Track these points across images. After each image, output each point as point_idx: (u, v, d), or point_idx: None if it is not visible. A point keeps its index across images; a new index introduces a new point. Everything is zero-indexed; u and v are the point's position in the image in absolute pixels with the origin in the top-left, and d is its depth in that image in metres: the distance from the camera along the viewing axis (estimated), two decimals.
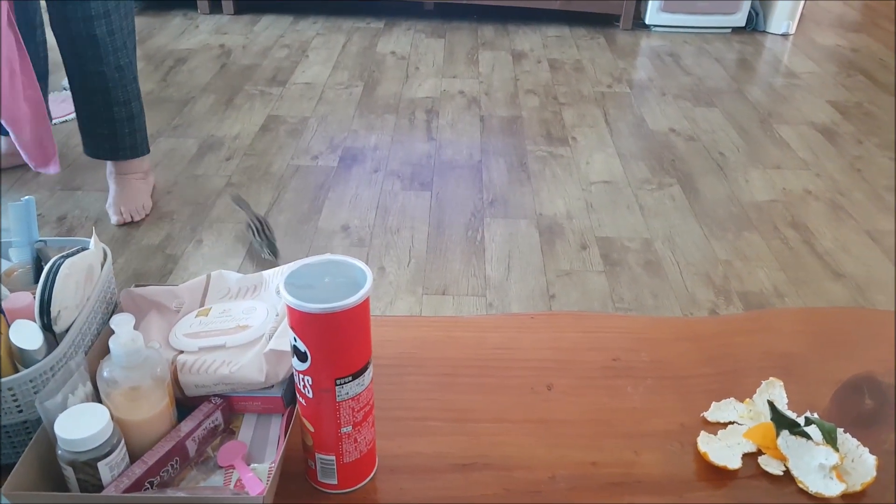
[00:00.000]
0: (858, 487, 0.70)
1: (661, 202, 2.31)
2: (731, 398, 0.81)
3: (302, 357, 0.60)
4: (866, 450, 0.73)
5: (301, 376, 0.62)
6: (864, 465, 0.72)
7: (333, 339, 0.59)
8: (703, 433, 0.76)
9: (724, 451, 0.74)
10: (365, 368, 0.63)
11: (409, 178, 2.35)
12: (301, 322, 0.58)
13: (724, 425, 0.78)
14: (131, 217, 2.08)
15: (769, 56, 3.69)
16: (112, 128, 1.99)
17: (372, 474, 0.71)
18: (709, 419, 0.79)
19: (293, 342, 0.60)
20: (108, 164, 2.11)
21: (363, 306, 0.59)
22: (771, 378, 0.81)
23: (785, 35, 3.91)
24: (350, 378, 0.61)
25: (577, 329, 0.96)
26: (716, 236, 2.14)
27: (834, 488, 0.70)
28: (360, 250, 1.97)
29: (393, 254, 1.97)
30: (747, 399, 0.80)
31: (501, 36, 3.72)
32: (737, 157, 2.63)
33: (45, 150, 1.75)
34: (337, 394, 0.62)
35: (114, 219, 2.08)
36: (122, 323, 0.65)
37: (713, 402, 0.80)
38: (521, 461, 0.74)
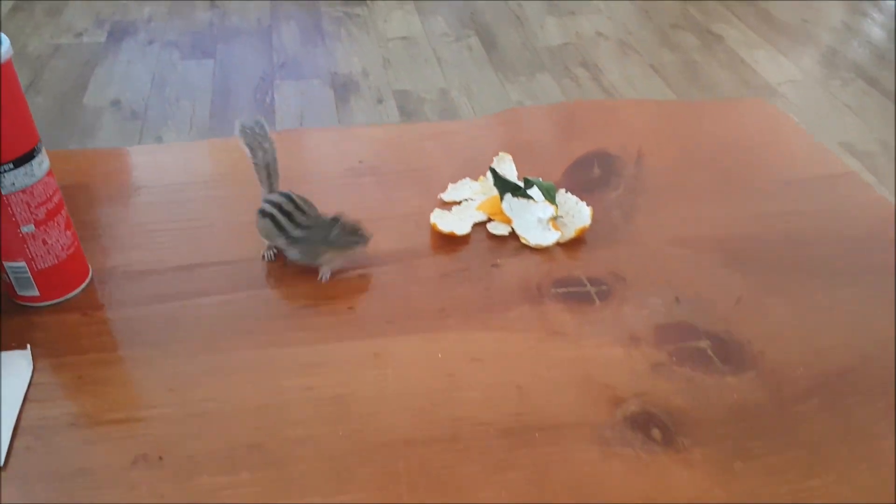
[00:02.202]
0: (573, 234, 0.74)
1: (458, 54, 2.31)
2: (467, 178, 0.82)
3: None
4: (584, 203, 0.77)
5: None
6: (580, 215, 0.75)
7: None
8: (436, 210, 0.77)
9: (456, 222, 0.75)
10: (30, 157, 0.57)
11: (190, 47, 2.19)
12: None
13: (460, 204, 0.80)
14: None
15: None
16: None
17: (84, 284, 0.66)
18: (445, 200, 0.80)
19: None
20: None
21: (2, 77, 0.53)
22: (501, 153, 0.83)
23: None
24: (10, 166, 0.56)
25: (325, 141, 0.94)
26: (510, 80, 2.18)
27: (550, 237, 0.73)
28: (133, 123, 1.84)
29: (171, 125, 1.86)
30: (481, 177, 0.82)
31: None
32: (533, 7, 2.66)
33: None
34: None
35: None
36: None
37: (449, 184, 0.81)
38: (248, 255, 0.72)
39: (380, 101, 2.03)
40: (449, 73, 2.22)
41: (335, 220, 0.66)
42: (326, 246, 0.66)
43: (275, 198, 0.69)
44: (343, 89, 2.07)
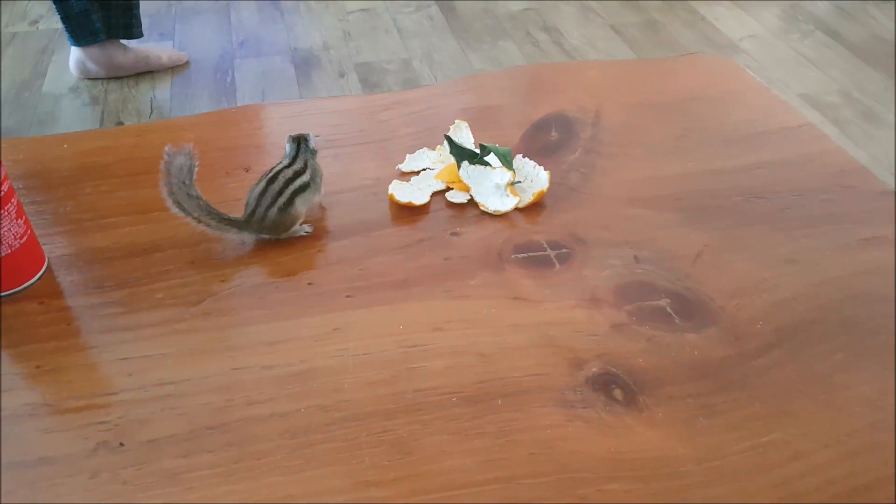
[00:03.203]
0: (532, 198, 0.73)
1: (419, 23, 2.28)
2: (424, 148, 0.81)
3: None
4: (541, 168, 0.76)
5: None
6: (538, 179, 0.75)
7: None
8: (395, 181, 0.76)
9: (414, 192, 0.75)
10: None
11: (147, 28, 2.14)
12: None
13: (419, 174, 0.79)
14: None
15: None
16: None
17: (40, 273, 0.65)
18: (403, 170, 0.79)
19: None
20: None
21: None
22: (457, 120, 0.82)
23: None
24: None
25: (282, 116, 0.92)
26: (472, 48, 2.15)
27: (508, 203, 0.73)
28: (93, 109, 1.80)
29: (132, 108, 1.82)
30: (439, 146, 0.81)
31: None
32: None
33: None
34: None
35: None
36: None
37: (407, 155, 0.81)
38: (205, 236, 0.70)
39: (342, 74, 2.01)
40: (410, 43, 2.19)
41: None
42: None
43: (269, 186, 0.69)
44: (304, 64, 2.04)
